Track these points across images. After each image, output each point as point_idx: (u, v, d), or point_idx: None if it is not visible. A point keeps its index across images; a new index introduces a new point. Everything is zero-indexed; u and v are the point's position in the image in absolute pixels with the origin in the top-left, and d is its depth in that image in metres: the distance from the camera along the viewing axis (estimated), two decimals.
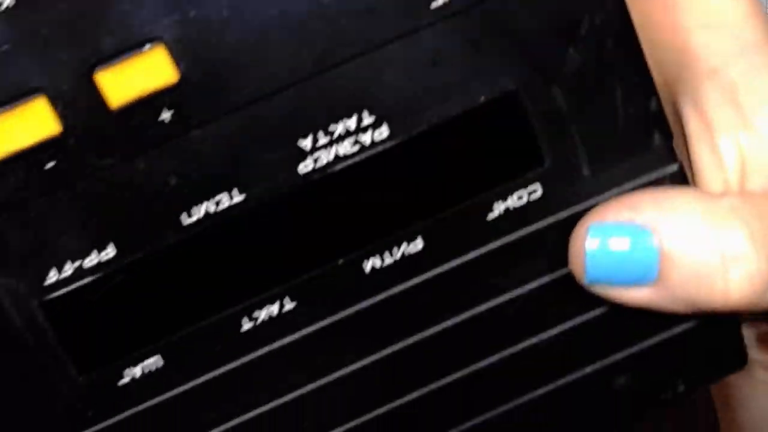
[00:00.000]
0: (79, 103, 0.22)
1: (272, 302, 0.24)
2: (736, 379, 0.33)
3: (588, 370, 0.26)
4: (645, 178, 0.25)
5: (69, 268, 0.23)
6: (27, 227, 0.23)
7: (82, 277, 0.23)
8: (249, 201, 0.24)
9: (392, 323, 0.25)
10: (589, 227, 0.24)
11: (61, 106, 0.22)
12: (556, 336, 0.26)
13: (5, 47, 0.22)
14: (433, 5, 0.23)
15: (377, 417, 0.26)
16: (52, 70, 0.22)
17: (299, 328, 0.25)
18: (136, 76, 0.22)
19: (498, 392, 0.26)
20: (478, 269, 0.25)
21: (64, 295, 0.23)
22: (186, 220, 0.24)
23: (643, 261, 0.24)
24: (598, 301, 0.25)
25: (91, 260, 0.23)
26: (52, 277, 0.23)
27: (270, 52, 0.23)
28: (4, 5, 0.21)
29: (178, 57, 0.22)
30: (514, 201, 0.25)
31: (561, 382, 0.26)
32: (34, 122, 0.22)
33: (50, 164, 0.23)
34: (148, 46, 0.22)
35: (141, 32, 0.22)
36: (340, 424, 0.26)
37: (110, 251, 0.23)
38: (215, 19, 0.22)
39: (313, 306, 0.25)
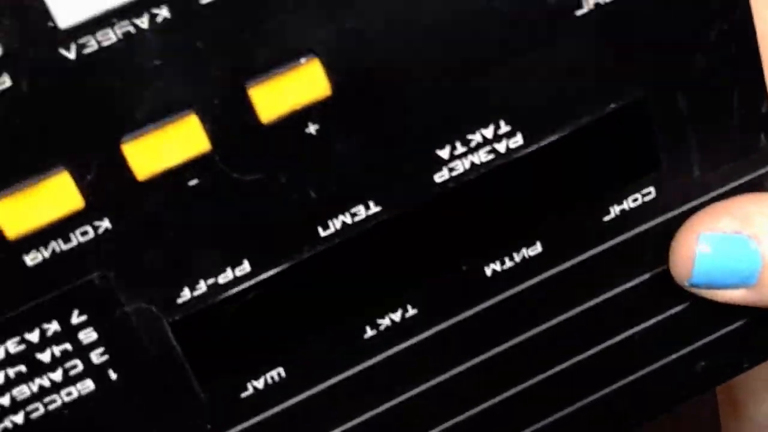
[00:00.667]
0: (229, 118, 0.21)
1: (395, 310, 0.24)
2: (742, 380, 0.34)
3: (673, 357, 0.27)
4: (748, 177, 0.26)
5: (202, 286, 0.22)
6: (163, 246, 0.22)
7: (214, 295, 0.23)
8: (384, 212, 0.23)
9: (506, 322, 0.25)
10: (700, 236, 0.25)
11: (210, 122, 0.21)
12: (649, 328, 0.27)
13: (158, 62, 0.20)
14: (578, 12, 0.23)
15: (487, 409, 0.26)
16: (205, 84, 0.21)
17: (419, 333, 0.25)
18: (290, 91, 0.21)
19: (595, 381, 0.27)
20: (590, 268, 0.25)
21: (194, 314, 0.23)
22: (322, 232, 0.23)
23: (747, 269, 0.25)
24: (687, 296, 0.26)
25: (226, 277, 0.23)
26: (185, 295, 0.22)
27: (415, 64, 0.22)
28: (161, 17, 0.20)
29: (332, 70, 0.21)
30: (629, 203, 0.25)
31: (649, 368, 0.27)
32: (184, 140, 0.21)
33: (194, 181, 0.21)
34: (303, 59, 0.21)
35: (296, 45, 0.21)
36: (453, 417, 0.26)
37: (245, 267, 0.23)
38: (367, 31, 0.21)
39: (433, 310, 0.25)
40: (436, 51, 0.22)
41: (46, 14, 0.19)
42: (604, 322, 0.26)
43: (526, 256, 0.25)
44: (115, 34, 0.20)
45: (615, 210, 0.25)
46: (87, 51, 0.20)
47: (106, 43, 0.20)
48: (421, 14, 0.22)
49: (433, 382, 0.25)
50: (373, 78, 0.22)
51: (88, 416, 0.23)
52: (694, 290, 0.26)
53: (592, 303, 0.26)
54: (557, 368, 0.26)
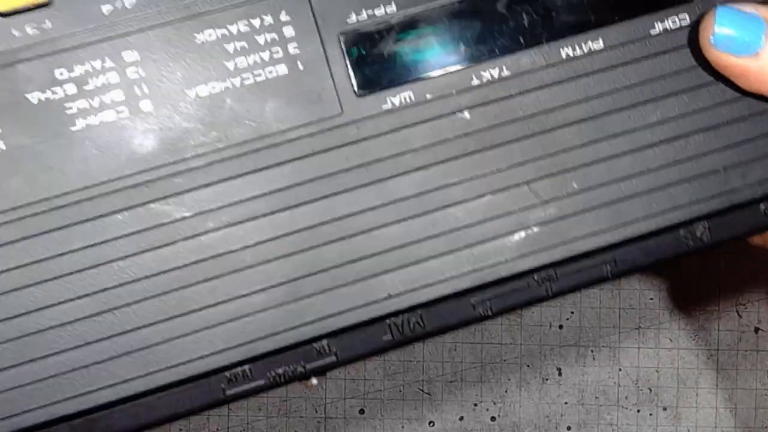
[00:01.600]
0: None
1: (494, 68, 0.34)
2: None
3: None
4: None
5: (364, 16, 0.32)
6: None
7: (369, 23, 0.32)
8: None
9: (573, 100, 0.35)
10: (718, 8, 0.34)
11: None
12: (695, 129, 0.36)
13: None
14: None
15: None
16: None
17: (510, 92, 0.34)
18: None
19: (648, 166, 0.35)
20: (640, 71, 0.35)
21: (356, 31, 0.32)
22: None
23: (754, 35, 0.34)
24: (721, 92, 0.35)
25: (380, 11, 0.32)
26: (353, 19, 0.32)
27: None
28: None
29: None
30: (669, 23, 0.35)
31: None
32: None
33: None
34: None
35: None
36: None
37: (393, 7, 0.32)
38: None
39: (521, 75, 0.34)
40: None
41: None
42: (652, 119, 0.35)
43: (591, 48, 0.35)
44: None
45: (659, 26, 0.35)
46: None
47: None
48: None
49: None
50: None
51: (278, 95, 0.32)
52: (715, 56, 0.34)
53: (640, 112, 0.35)
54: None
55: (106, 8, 0.31)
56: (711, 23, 0.34)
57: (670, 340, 0.65)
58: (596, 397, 0.65)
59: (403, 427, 0.66)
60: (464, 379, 0.65)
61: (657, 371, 0.65)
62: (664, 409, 0.64)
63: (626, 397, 0.65)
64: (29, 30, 0.31)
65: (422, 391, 0.65)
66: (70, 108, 0.31)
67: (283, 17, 0.32)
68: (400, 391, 0.65)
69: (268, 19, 0.32)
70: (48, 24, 0.31)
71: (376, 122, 0.33)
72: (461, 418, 0.66)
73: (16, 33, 0.31)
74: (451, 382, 0.66)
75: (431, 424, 0.66)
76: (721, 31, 0.34)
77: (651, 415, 0.64)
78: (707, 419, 0.64)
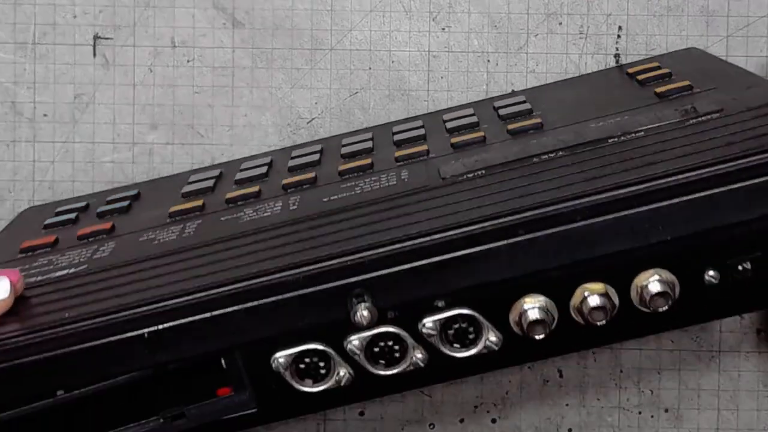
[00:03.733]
0: None
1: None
2: None
3: None
4: None
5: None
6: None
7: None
8: None
9: None
10: None
11: None
12: None
13: None
14: None
15: None
16: None
17: None
18: None
19: None
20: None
21: None
22: None
23: None
24: None
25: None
26: None
27: None
28: None
29: None
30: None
31: None
32: None
33: None
34: None
35: None
36: None
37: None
38: None
39: None
40: None
41: None
42: None
43: None
44: None
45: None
46: None
47: None
48: None
49: None
50: None
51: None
52: None
53: None
54: None
55: None
56: None
57: (672, 342, 0.65)
58: (597, 399, 0.66)
59: (403, 428, 0.66)
60: (464, 380, 0.64)
61: (659, 373, 0.66)
62: (666, 410, 0.65)
63: (627, 399, 0.66)
64: None
65: (423, 393, 0.65)
66: None
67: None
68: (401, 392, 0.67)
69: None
70: None
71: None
72: (462, 420, 0.66)
73: None
74: (451, 383, 0.65)
75: (431, 426, 0.66)
76: None
77: (653, 417, 0.65)
78: (709, 421, 0.65)
